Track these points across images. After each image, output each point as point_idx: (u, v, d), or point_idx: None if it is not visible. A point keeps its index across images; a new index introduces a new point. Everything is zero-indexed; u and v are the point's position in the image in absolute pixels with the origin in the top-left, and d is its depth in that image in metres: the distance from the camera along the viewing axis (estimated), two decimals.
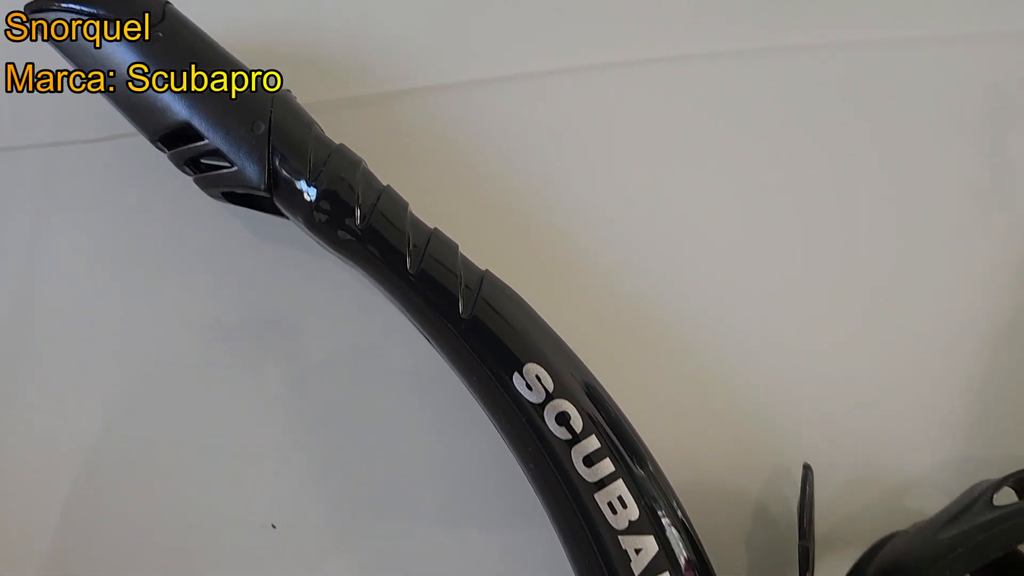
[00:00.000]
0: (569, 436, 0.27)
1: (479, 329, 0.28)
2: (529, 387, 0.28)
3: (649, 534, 0.27)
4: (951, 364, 0.33)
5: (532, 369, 0.28)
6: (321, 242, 0.30)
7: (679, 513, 0.28)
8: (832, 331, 0.34)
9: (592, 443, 0.27)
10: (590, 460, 0.27)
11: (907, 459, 0.33)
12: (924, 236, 0.34)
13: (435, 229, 0.30)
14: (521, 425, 0.28)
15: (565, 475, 0.27)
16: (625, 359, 0.33)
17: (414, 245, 0.29)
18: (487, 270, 0.30)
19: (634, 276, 0.34)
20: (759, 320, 0.34)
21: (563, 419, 0.27)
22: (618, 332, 0.33)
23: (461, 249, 0.30)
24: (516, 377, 0.28)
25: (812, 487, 0.29)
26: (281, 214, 0.31)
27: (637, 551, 0.26)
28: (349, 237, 0.29)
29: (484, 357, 0.28)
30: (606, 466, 0.27)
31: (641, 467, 0.28)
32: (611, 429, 0.28)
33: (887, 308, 0.34)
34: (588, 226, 0.34)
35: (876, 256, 0.34)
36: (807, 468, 0.29)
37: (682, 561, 0.27)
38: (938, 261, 0.34)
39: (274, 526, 0.32)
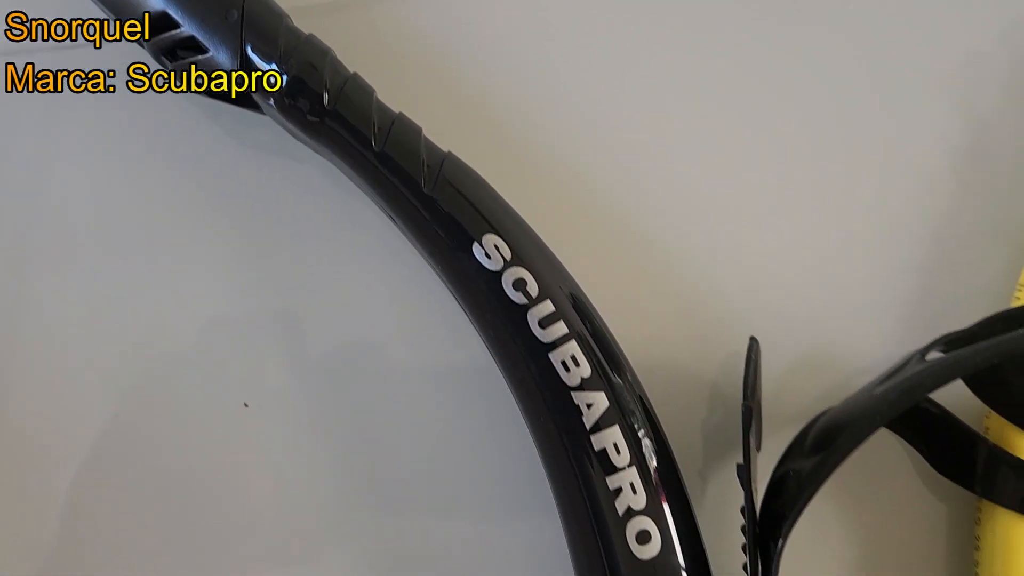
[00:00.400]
0: (525, 301, 0.29)
1: (440, 203, 0.30)
2: (488, 255, 0.29)
3: (600, 390, 0.28)
4: (905, 262, 0.35)
5: (490, 239, 0.29)
6: (291, 126, 0.31)
7: (629, 374, 0.29)
8: (791, 230, 0.35)
9: (547, 307, 0.29)
10: (545, 322, 0.29)
11: (859, 351, 0.34)
12: (886, 158, 0.36)
13: (400, 113, 0.31)
14: (480, 293, 0.29)
15: (521, 337, 0.29)
16: (579, 243, 0.34)
17: (379, 128, 0.30)
18: (449, 151, 0.31)
19: (589, 161, 0.35)
20: (715, 209, 0.35)
21: (520, 285, 0.29)
22: (573, 216, 0.35)
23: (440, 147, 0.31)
24: (475, 247, 0.29)
25: (758, 356, 0.30)
26: (255, 106, 0.32)
27: (588, 406, 0.28)
28: (316, 119, 0.30)
29: (446, 228, 0.30)
30: (560, 328, 0.29)
31: (593, 329, 0.29)
32: (564, 293, 0.29)
33: (844, 211, 0.35)
34: (554, 118, 0.36)
35: (839, 178, 0.36)
36: (753, 340, 0.31)
37: (634, 415, 0.28)
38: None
39: (246, 404, 0.34)
